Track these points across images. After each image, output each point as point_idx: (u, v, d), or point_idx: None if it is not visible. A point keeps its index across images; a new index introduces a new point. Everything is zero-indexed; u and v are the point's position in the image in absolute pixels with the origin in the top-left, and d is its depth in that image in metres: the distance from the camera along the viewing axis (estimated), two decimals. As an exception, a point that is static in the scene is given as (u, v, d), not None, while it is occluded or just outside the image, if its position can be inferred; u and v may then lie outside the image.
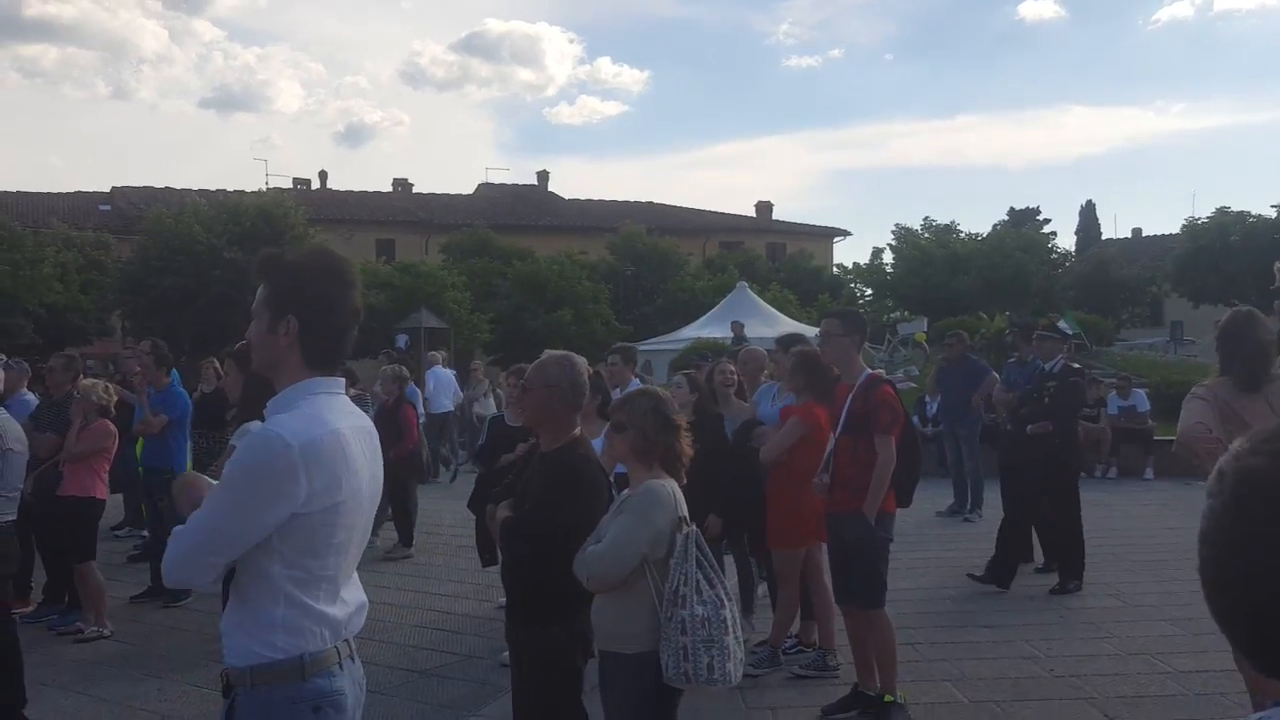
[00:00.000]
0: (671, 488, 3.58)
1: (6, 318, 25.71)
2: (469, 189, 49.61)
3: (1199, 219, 35.74)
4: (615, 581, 3.46)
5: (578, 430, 3.92)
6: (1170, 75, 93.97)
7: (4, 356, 9.25)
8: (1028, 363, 9.22)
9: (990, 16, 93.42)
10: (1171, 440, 5.26)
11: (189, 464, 8.82)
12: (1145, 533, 10.32)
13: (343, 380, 2.46)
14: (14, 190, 40.13)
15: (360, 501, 2.35)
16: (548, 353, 4.07)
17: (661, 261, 36.13)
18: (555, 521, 3.66)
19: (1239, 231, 33.60)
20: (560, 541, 3.61)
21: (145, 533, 9.54)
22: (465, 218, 41.12)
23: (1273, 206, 34.40)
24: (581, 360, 4.01)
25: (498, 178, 50.74)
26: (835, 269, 44.46)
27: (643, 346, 24.60)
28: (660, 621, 3.41)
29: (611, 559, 3.44)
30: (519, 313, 30.27)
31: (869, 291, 40.05)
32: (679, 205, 51.41)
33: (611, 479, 4.11)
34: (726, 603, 3.46)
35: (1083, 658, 6.30)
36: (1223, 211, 35.08)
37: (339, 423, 2.32)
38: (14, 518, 5.87)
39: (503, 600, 5.98)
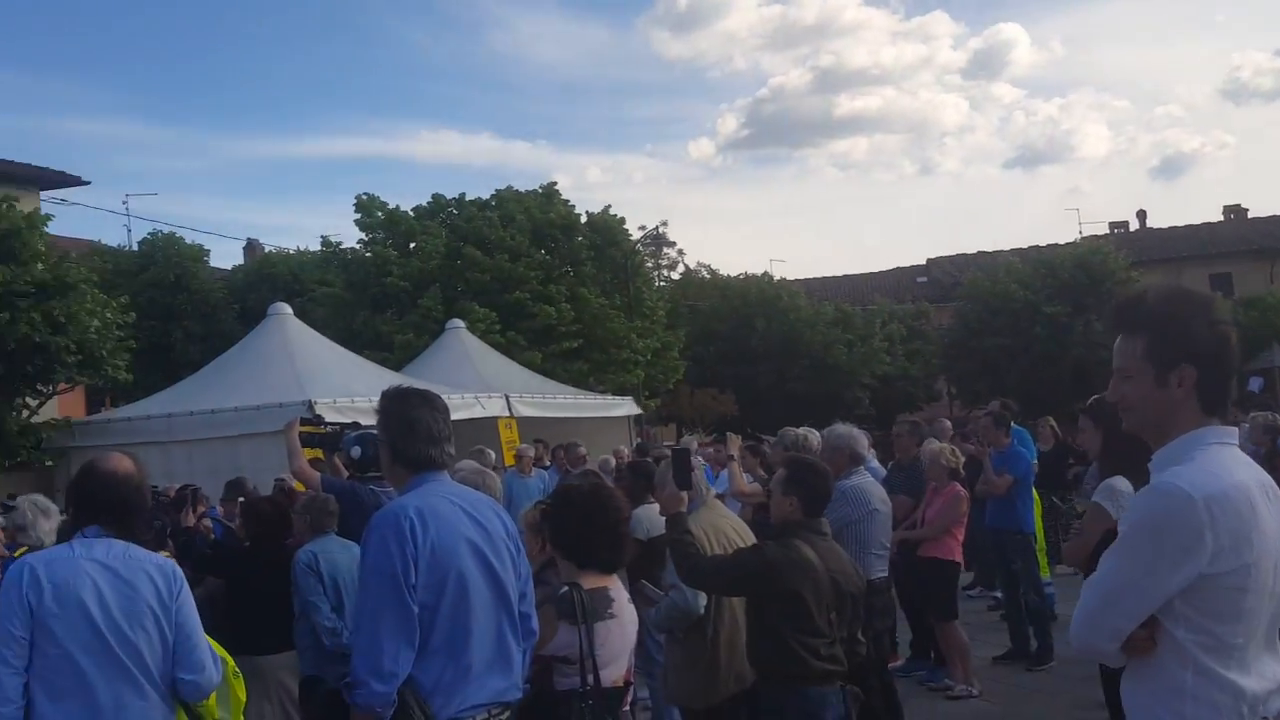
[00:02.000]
0: None
1: (845, 390, 29.52)
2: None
3: None
4: None
5: None
6: None
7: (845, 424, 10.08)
8: None
9: None
10: None
11: (1037, 524, 8.66)
12: None
13: (1235, 430, 2.19)
14: (840, 274, 45.60)
15: (1271, 563, 2.11)
16: None
17: None
18: None
19: None
20: None
21: (997, 594, 9.60)
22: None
23: None
24: None
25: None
26: None
27: None
28: None
29: None
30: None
31: None
32: None
33: None
34: None
35: None
36: None
37: (1242, 475, 2.13)
38: (885, 573, 6.30)
39: None
